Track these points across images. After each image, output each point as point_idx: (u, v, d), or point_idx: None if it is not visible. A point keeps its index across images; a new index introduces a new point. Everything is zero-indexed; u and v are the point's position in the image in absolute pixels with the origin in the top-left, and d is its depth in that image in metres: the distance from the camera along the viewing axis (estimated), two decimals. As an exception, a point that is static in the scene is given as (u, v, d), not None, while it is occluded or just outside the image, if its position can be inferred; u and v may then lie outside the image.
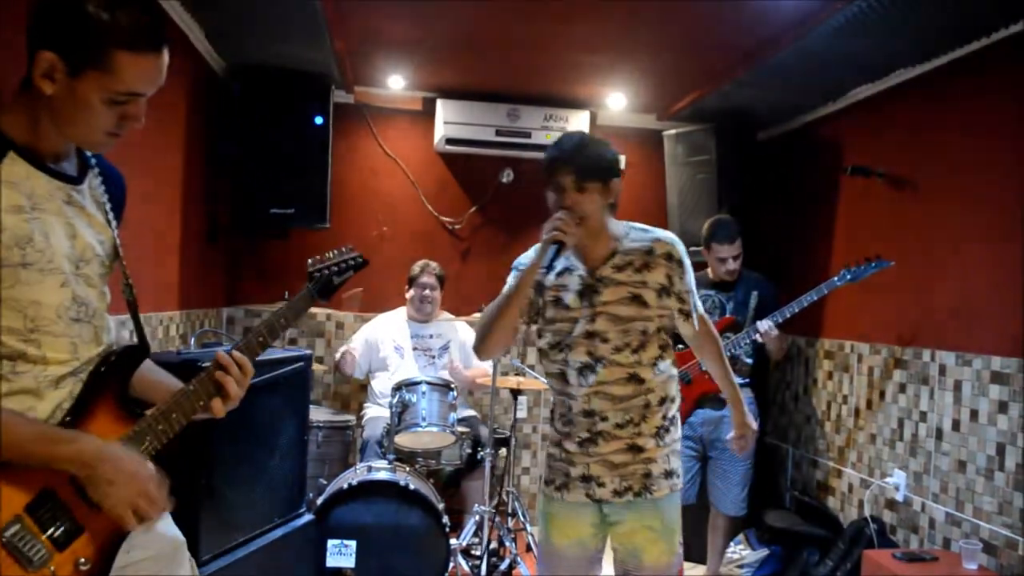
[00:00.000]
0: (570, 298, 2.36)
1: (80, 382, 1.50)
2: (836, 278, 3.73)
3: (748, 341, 3.88)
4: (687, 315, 2.40)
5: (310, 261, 1.72)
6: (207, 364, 1.61)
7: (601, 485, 2.35)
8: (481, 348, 2.43)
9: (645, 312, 2.33)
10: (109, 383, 1.54)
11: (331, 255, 1.75)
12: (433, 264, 4.65)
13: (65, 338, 1.47)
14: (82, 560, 1.44)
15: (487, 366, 4.42)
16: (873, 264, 3.66)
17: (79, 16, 1.39)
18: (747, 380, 4.00)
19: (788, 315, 3.84)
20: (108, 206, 1.61)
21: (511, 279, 2.42)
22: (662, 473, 2.36)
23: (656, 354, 2.36)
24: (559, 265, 2.37)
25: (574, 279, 2.37)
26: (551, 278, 2.39)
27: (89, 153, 1.59)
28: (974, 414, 3.26)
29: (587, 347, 2.33)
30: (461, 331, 4.72)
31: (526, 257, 2.44)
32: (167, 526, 1.69)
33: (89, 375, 1.52)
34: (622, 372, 2.32)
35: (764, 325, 3.82)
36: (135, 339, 1.63)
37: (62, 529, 1.42)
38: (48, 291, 1.44)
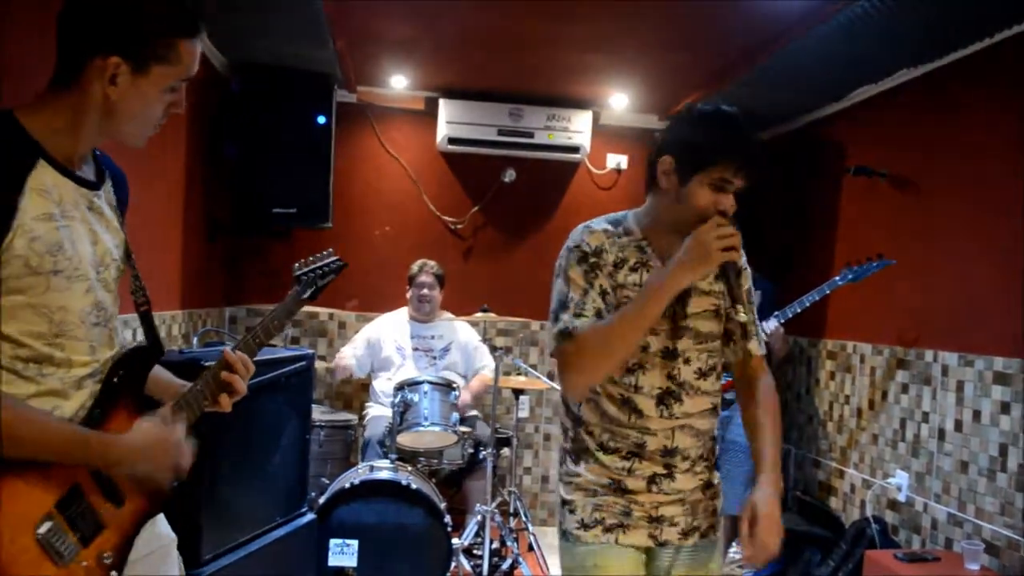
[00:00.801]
0: None
1: (98, 383, 1.54)
2: (838, 277, 3.73)
3: None
4: (729, 337, 1.96)
5: (296, 265, 1.82)
6: (209, 363, 1.67)
7: (673, 525, 1.91)
8: (583, 383, 1.85)
9: (721, 328, 1.95)
10: (127, 383, 1.57)
11: (313, 259, 1.84)
12: (431, 263, 4.64)
13: (85, 342, 1.51)
14: (105, 554, 1.49)
15: (489, 372, 4.41)
16: (875, 263, 3.66)
17: (140, 14, 1.42)
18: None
19: (791, 314, 3.84)
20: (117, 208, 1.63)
21: (577, 270, 1.85)
22: (721, 509, 2.03)
23: (722, 382, 1.99)
24: (631, 257, 1.88)
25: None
26: (629, 275, 1.86)
27: (98, 153, 1.61)
28: (976, 415, 3.25)
29: (666, 369, 1.86)
30: (462, 332, 4.71)
31: (592, 234, 1.89)
32: (160, 524, 1.72)
33: (107, 375, 1.55)
34: (706, 403, 1.91)
35: (771, 325, 3.82)
36: (146, 340, 1.66)
37: (88, 525, 1.47)
38: (74, 297, 1.47)
